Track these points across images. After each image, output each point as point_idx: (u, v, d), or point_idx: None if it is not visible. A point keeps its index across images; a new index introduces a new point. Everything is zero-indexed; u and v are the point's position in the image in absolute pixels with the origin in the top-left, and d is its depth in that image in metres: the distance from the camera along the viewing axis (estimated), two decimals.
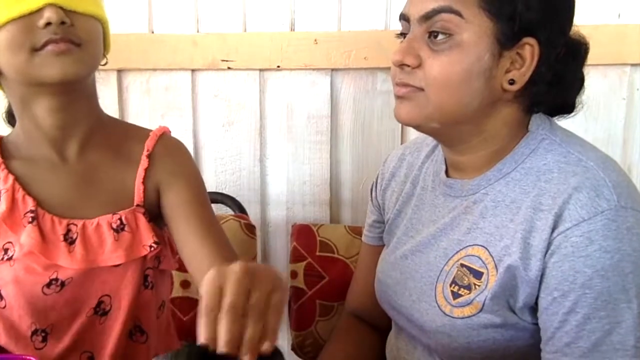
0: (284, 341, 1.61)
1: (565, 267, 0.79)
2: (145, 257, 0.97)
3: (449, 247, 0.92)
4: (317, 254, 1.34)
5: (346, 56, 1.44)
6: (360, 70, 1.46)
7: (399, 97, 0.89)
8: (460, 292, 0.88)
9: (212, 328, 0.62)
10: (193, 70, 1.49)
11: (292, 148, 1.52)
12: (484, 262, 0.86)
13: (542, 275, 0.81)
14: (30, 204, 0.94)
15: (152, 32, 1.47)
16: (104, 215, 0.96)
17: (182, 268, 1.31)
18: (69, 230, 0.95)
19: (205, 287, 0.64)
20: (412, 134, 1.02)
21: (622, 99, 1.46)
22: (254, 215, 1.50)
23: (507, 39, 0.83)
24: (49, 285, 0.94)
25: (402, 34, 0.90)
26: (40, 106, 0.92)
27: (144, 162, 0.99)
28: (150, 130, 1.03)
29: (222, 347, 0.61)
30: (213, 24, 1.46)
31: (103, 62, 0.97)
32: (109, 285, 0.96)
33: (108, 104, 1.46)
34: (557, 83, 0.86)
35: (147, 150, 1.00)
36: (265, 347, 0.62)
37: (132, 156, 1.00)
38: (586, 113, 1.46)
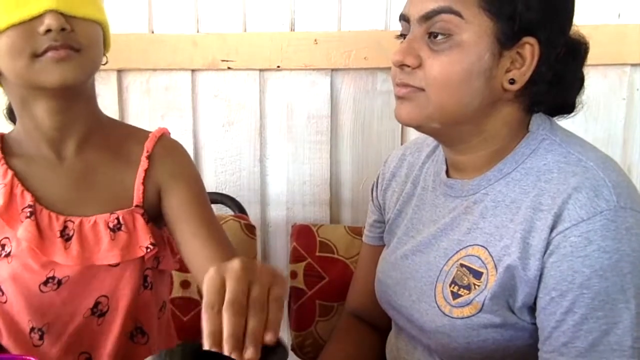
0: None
1: (563, 267, 0.79)
2: (143, 257, 0.98)
3: (449, 247, 0.92)
4: (317, 254, 1.34)
5: (346, 56, 1.44)
6: (360, 70, 1.46)
7: (399, 98, 0.89)
8: (459, 292, 0.88)
9: (215, 323, 0.62)
10: (193, 70, 1.49)
11: (292, 148, 1.52)
12: (483, 262, 0.87)
13: (540, 275, 0.81)
14: (28, 199, 0.94)
15: (152, 32, 1.47)
16: (101, 214, 0.96)
17: (182, 268, 1.31)
18: (65, 227, 0.95)
19: (205, 284, 0.65)
20: (412, 134, 1.02)
21: (622, 99, 1.46)
22: (254, 215, 1.50)
23: (507, 39, 0.83)
24: (45, 283, 0.94)
25: (402, 35, 0.90)
26: (39, 107, 0.93)
27: (143, 163, 1.00)
28: (150, 132, 1.04)
29: (226, 340, 0.61)
30: (213, 24, 1.46)
31: (103, 61, 0.97)
32: (107, 286, 0.96)
33: (108, 104, 1.46)
34: (557, 83, 0.86)
35: (147, 152, 1.00)
36: (269, 338, 0.63)
37: (131, 157, 1.00)
38: (586, 113, 1.46)
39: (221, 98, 1.50)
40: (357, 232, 1.35)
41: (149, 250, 0.97)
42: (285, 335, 1.58)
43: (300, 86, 1.48)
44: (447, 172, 0.98)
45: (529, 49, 0.84)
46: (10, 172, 0.95)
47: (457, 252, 0.90)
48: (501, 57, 0.84)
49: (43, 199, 0.96)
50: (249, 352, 0.61)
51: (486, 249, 0.87)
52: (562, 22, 0.86)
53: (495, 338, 0.85)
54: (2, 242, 0.95)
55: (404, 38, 0.89)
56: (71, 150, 0.98)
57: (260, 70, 1.48)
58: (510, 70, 0.85)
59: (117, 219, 0.96)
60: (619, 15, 1.42)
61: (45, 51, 0.86)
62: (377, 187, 1.13)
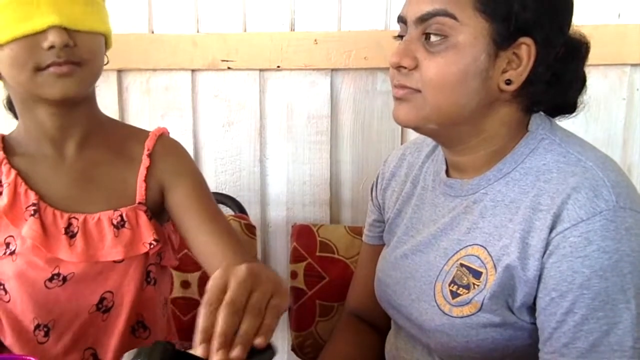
0: (284, 341, 1.61)
1: (563, 268, 0.79)
2: (147, 253, 0.99)
3: (448, 247, 0.92)
4: (317, 254, 1.34)
5: (346, 56, 1.44)
6: (360, 70, 1.46)
7: (397, 99, 0.90)
8: (459, 291, 0.88)
9: (209, 319, 0.64)
10: (193, 71, 1.49)
11: (292, 148, 1.52)
12: (483, 262, 0.87)
13: (540, 276, 0.81)
14: (32, 197, 0.95)
15: (152, 32, 1.47)
16: (105, 211, 0.98)
17: (182, 268, 1.33)
18: (70, 224, 0.96)
19: (210, 283, 0.66)
20: (412, 134, 1.02)
21: (622, 99, 1.46)
22: (254, 215, 1.50)
23: (503, 40, 0.83)
24: (51, 279, 0.95)
25: (400, 36, 0.91)
26: (40, 109, 0.94)
27: (145, 161, 1.01)
28: (149, 131, 1.05)
29: (216, 338, 0.62)
30: (213, 24, 1.46)
31: (104, 62, 0.98)
32: (111, 282, 0.98)
33: (108, 104, 1.46)
34: (556, 83, 0.86)
35: (148, 150, 1.02)
36: (258, 341, 0.64)
37: (132, 156, 1.02)
38: (586, 113, 1.45)
39: (221, 98, 1.50)
40: (357, 232, 1.35)
41: (152, 246, 0.98)
42: (286, 335, 1.59)
43: (300, 86, 1.48)
44: (446, 171, 0.98)
45: (525, 49, 0.84)
46: (13, 172, 0.96)
47: (457, 251, 0.90)
48: (497, 57, 0.84)
49: (47, 196, 0.97)
50: (236, 350, 0.62)
51: (485, 248, 0.87)
52: (560, 22, 0.86)
53: (495, 337, 0.85)
54: (7, 240, 0.96)
55: (402, 39, 0.89)
56: (73, 149, 0.99)
57: (260, 70, 1.48)
58: (507, 71, 0.85)
59: (121, 215, 0.98)
60: (619, 15, 1.42)
61: (48, 66, 0.87)
62: (376, 186, 1.13)
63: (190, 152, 1.49)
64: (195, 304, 1.35)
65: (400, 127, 1.49)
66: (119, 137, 1.04)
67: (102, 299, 0.98)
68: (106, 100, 1.45)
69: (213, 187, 1.51)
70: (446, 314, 0.88)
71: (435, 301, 0.90)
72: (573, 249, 0.78)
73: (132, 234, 0.98)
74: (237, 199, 1.47)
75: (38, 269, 0.95)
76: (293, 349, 1.37)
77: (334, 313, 1.33)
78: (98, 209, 0.98)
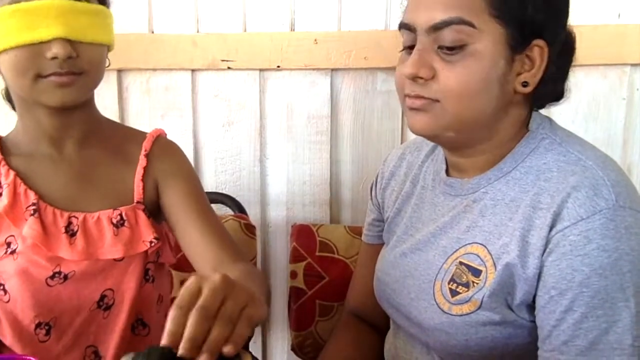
0: (284, 341, 1.61)
1: (563, 266, 0.79)
2: (146, 251, 1.00)
3: (448, 246, 0.92)
4: (317, 254, 1.34)
5: (346, 56, 1.44)
6: (360, 70, 1.46)
7: (412, 109, 0.88)
8: (458, 289, 0.88)
9: (178, 323, 0.62)
10: (193, 70, 1.49)
11: (292, 148, 1.52)
12: (482, 260, 0.87)
13: (539, 274, 0.81)
14: (32, 197, 0.96)
15: (152, 32, 1.47)
16: (104, 210, 0.99)
17: (182, 268, 1.32)
18: (70, 223, 0.97)
19: (183, 288, 0.65)
20: (412, 134, 1.02)
21: (622, 99, 1.46)
22: (254, 215, 1.50)
23: (517, 43, 0.83)
24: (52, 277, 0.96)
25: (408, 47, 0.88)
26: (40, 110, 0.95)
27: (142, 161, 1.03)
28: (147, 133, 1.06)
29: (184, 342, 0.61)
30: (213, 24, 1.46)
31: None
32: (112, 280, 0.98)
33: (108, 104, 1.46)
34: (558, 77, 0.87)
35: (145, 150, 1.03)
36: (227, 349, 0.62)
37: (130, 156, 1.03)
38: (586, 113, 1.46)
39: (221, 98, 1.50)
40: (357, 232, 1.35)
41: (152, 244, 0.99)
42: (285, 335, 1.59)
43: (300, 86, 1.48)
44: (446, 171, 0.98)
45: (538, 51, 0.84)
46: (12, 173, 0.97)
47: (457, 250, 0.90)
48: (513, 61, 0.84)
49: (46, 196, 0.97)
50: (203, 357, 0.61)
51: (485, 247, 0.87)
52: (563, 20, 0.87)
53: (494, 335, 0.85)
54: (8, 240, 0.96)
55: (409, 49, 0.88)
56: (71, 149, 1.00)
57: (260, 70, 1.48)
58: (521, 73, 0.85)
59: (120, 215, 0.99)
60: (619, 15, 1.42)
61: (49, 75, 0.89)
62: (376, 186, 1.13)
63: (190, 152, 1.50)
64: None
65: (400, 127, 1.49)
66: (117, 137, 1.05)
67: (102, 297, 0.98)
68: (106, 100, 1.46)
69: (213, 187, 1.52)
70: (445, 313, 0.88)
71: (435, 300, 0.90)
72: (573, 248, 0.78)
73: (132, 233, 0.99)
74: (237, 198, 1.47)
75: (39, 267, 0.95)
76: (293, 349, 1.37)
77: (334, 313, 1.33)
78: (97, 208, 0.99)
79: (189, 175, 1.07)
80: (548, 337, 0.81)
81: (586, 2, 1.39)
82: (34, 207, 0.95)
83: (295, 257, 1.34)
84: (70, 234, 0.97)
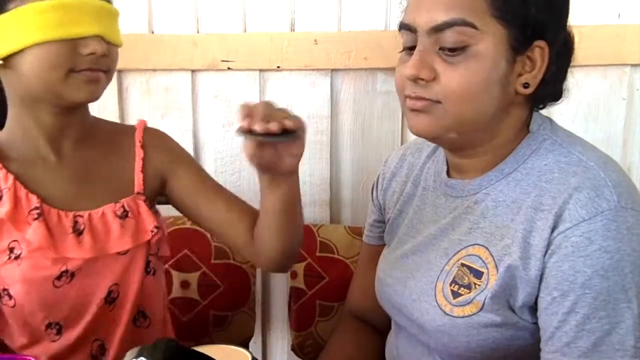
0: (284, 341, 1.61)
1: (565, 267, 0.79)
2: (148, 243, 1.03)
3: (449, 247, 0.92)
4: (317, 254, 1.34)
5: (346, 56, 1.44)
6: (360, 70, 1.46)
7: (414, 111, 0.88)
8: (460, 291, 0.88)
9: (249, 107, 0.85)
10: (193, 71, 1.49)
11: None
12: (484, 262, 0.87)
13: (541, 275, 0.81)
14: (34, 201, 0.96)
15: (152, 32, 1.47)
16: (107, 204, 1.00)
17: (182, 268, 1.33)
18: (76, 222, 0.98)
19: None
20: (412, 134, 1.02)
21: (622, 99, 1.46)
22: None
23: (519, 44, 0.83)
24: (59, 277, 0.96)
25: (408, 48, 0.88)
26: (42, 110, 0.96)
27: (139, 152, 1.06)
28: (132, 125, 1.11)
29: (257, 113, 0.84)
30: (213, 24, 1.46)
31: None
32: (117, 274, 1.00)
33: (108, 104, 1.46)
34: (557, 77, 0.87)
35: (140, 142, 1.07)
36: (288, 123, 0.85)
37: (123, 149, 1.07)
38: (586, 113, 1.46)
39: (221, 98, 1.50)
40: (357, 232, 1.35)
41: (154, 233, 1.02)
42: (286, 336, 1.59)
43: (300, 86, 1.48)
44: (447, 172, 0.98)
45: (539, 52, 0.84)
46: (10, 176, 0.96)
47: (458, 251, 0.90)
48: (515, 62, 0.84)
49: (48, 198, 0.98)
50: (272, 124, 0.83)
51: (487, 248, 0.87)
52: (563, 20, 0.87)
53: (496, 337, 0.85)
54: (11, 245, 0.96)
55: (409, 50, 0.88)
56: (69, 149, 1.01)
57: (260, 70, 1.47)
58: (522, 75, 0.85)
59: (123, 206, 1.02)
60: (619, 15, 1.42)
61: (83, 70, 0.91)
62: (377, 187, 1.13)
63: (191, 152, 1.49)
64: (195, 304, 1.35)
65: (400, 127, 1.49)
66: (107, 133, 1.08)
67: (109, 292, 1.00)
68: (106, 101, 1.45)
69: None
70: (447, 314, 0.88)
71: (436, 301, 0.90)
72: (575, 249, 0.78)
73: (136, 223, 1.02)
74: None
75: (45, 270, 0.95)
76: (293, 349, 1.37)
77: (334, 313, 1.33)
78: (99, 203, 1.00)
79: (188, 158, 1.13)
80: (550, 338, 0.80)
81: (586, 2, 1.39)
82: (37, 211, 0.95)
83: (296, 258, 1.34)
84: (77, 233, 0.97)
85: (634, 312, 0.77)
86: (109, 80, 0.97)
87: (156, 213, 1.08)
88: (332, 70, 1.46)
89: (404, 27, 0.88)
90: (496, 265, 0.85)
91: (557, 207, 0.80)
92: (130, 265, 1.01)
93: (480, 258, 0.87)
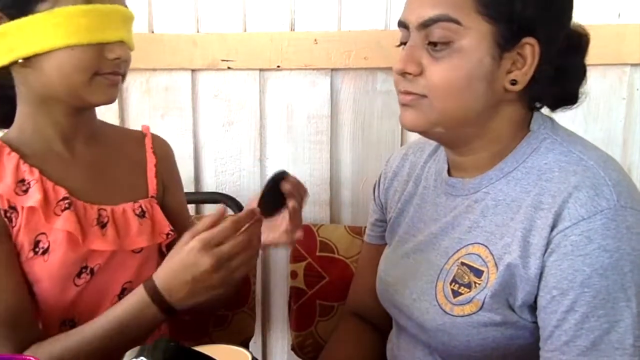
0: (284, 341, 1.61)
1: (564, 266, 0.79)
2: (160, 245, 1.05)
3: (449, 246, 0.92)
4: (317, 254, 1.34)
5: (346, 56, 1.44)
6: (360, 70, 1.46)
7: (403, 105, 0.90)
8: (460, 290, 0.88)
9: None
10: (193, 70, 1.49)
11: (292, 148, 1.52)
12: (484, 261, 0.87)
13: (541, 274, 0.81)
14: (62, 192, 0.97)
15: (152, 32, 1.47)
16: (126, 203, 1.03)
17: None
18: (99, 215, 0.99)
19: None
20: (413, 134, 1.02)
21: (622, 99, 1.46)
22: None
23: (506, 41, 0.83)
24: (79, 274, 0.97)
25: (403, 43, 0.90)
26: (57, 109, 0.97)
27: (151, 158, 1.10)
28: (138, 130, 1.14)
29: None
30: (213, 24, 1.46)
31: None
32: (132, 272, 1.02)
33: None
34: (559, 77, 0.87)
35: (151, 147, 1.10)
36: None
37: (135, 153, 1.10)
38: (586, 113, 1.46)
39: (221, 98, 1.50)
40: (357, 232, 1.35)
41: (169, 236, 1.05)
42: (286, 335, 1.59)
43: (300, 86, 1.48)
44: (448, 171, 0.98)
45: (529, 49, 0.84)
46: (35, 170, 0.97)
47: (458, 250, 0.90)
48: (501, 59, 0.84)
49: (73, 191, 0.98)
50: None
51: (487, 247, 0.87)
52: (560, 18, 0.87)
53: (496, 336, 0.85)
54: (38, 238, 0.95)
55: (405, 45, 0.89)
56: (81, 147, 1.02)
57: (260, 70, 1.48)
58: (512, 71, 0.85)
59: (140, 207, 1.04)
60: (619, 15, 1.42)
61: (106, 73, 0.94)
62: (379, 186, 1.13)
63: (190, 152, 1.51)
64: None
65: (400, 127, 1.49)
66: (115, 135, 1.10)
67: (123, 290, 1.01)
68: None
69: (213, 187, 1.52)
70: (447, 313, 0.88)
71: (437, 300, 0.90)
72: (574, 248, 0.78)
73: (152, 224, 1.04)
74: (237, 199, 1.47)
75: (69, 267, 0.96)
76: (293, 349, 1.37)
77: (334, 313, 1.33)
78: (118, 201, 1.02)
79: (180, 180, 1.18)
80: (549, 337, 0.80)
81: (586, 2, 1.39)
82: (67, 201, 0.96)
83: (296, 257, 1.34)
84: (101, 225, 0.99)
85: (633, 311, 0.77)
86: (122, 83, 1.00)
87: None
88: (332, 69, 1.46)
89: (399, 23, 0.90)
90: (496, 264, 0.85)
91: (557, 206, 0.81)
92: (144, 264, 1.03)
93: (480, 257, 0.87)
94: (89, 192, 1.00)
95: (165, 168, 1.11)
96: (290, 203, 0.96)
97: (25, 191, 0.95)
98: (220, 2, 1.45)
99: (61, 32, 0.89)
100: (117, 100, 1.47)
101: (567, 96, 0.91)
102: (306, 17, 1.45)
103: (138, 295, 0.89)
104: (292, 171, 1.51)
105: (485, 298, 0.85)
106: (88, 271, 0.98)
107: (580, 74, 0.90)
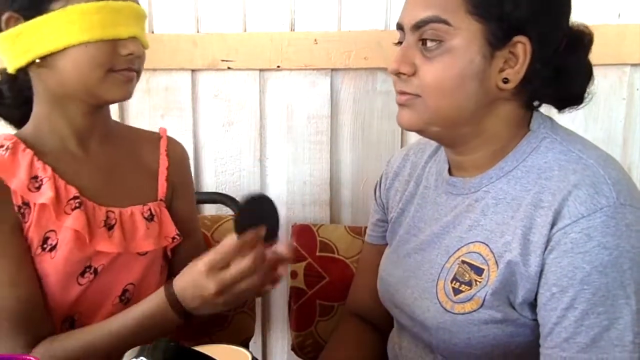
0: (284, 341, 1.61)
1: (564, 263, 0.79)
2: (165, 248, 1.06)
3: (450, 245, 0.92)
4: (317, 254, 1.34)
5: (346, 56, 1.44)
6: (360, 70, 1.46)
7: (399, 105, 0.91)
8: (461, 288, 0.88)
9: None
10: (193, 70, 1.49)
11: (292, 148, 1.52)
12: (484, 259, 0.87)
13: (541, 272, 0.82)
14: (72, 191, 0.98)
15: (152, 32, 1.47)
16: (135, 205, 1.03)
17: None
18: (107, 217, 1.00)
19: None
20: (413, 134, 1.03)
21: (622, 99, 1.46)
22: None
23: (497, 40, 0.84)
24: (83, 274, 0.98)
25: (400, 43, 0.92)
26: (74, 109, 0.98)
27: (164, 161, 1.10)
28: (153, 132, 1.14)
29: None
30: (213, 24, 1.46)
31: None
32: (135, 274, 1.02)
33: None
34: (558, 77, 0.87)
35: (165, 150, 1.11)
36: None
37: (149, 155, 1.10)
38: (586, 113, 1.46)
39: (221, 98, 1.50)
40: (357, 232, 1.35)
41: (175, 240, 1.05)
42: (286, 335, 1.59)
43: (300, 86, 1.48)
44: (449, 170, 0.98)
45: (521, 48, 0.84)
46: (48, 167, 0.97)
47: (459, 249, 0.90)
48: (493, 58, 0.84)
49: (83, 191, 0.99)
50: None
51: (487, 245, 0.87)
52: (555, 17, 0.87)
53: (496, 334, 0.85)
54: (47, 235, 0.96)
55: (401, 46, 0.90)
56: (96, 147, 1.03)
57: (260, 70, 1.48)
58: (504, 70, 0.85)
59: (149, 210, 1.04)
60: (619, 15, 1.42)
61: (121, 70, 0.95)
62: (380, 186, 1.14)
63: (190, 152, 1.50)
64: None
65: (400, 128, 1.49)
66: (130, 136, 1.11)
67: (124, 291, 1.02)
68: None
69: (213, 187, 1.52)
70: (448, 311, 0.88)
71: (438, 298, 0.90)
72: (574, 245, 0.78)
73: (159, 227, 1.05)
74: (237, 199, 1.47)
75: (74, 266, 0.97)
76: (293, 349, 1.37)
77: (334, 313, 1.33)
78: (128, 203, 1.02)
79: (192, 187, 1.18)
80: (549, 334, 0.81)
81: (586, 2, 1.39)
82: (78, 201, 0.97)
83: (296, 257, 1.34)
84: (108, 227, 0.99)
85: (633, 308, 0.77)
86: (138, 80, 1.00)
87: None
88: (332, 70, 1.47)
89: (397, 26, 0.92)
90: (496, 262, 0.85)
91: (557, 204, 0.81)
92: (148, 267, 1.04)
93: (481, 255, 0.87)
94: (99, 193, 1.00)
95: (177, 172, 1.11)
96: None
97: (38, 188, 0.95)
98: (220, 2, 1.45)
99: (75, 29, 0.90)
100: None
101: (571, 96, 0.91)
102: (306, 17, 1.45)
103: (158, 299, 0.91)
104: (292, 171, 1.53)
105: (485, 296, 0.85)
106: (92, 271, 0.98)
107: (583, 73, 0.90)
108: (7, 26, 0.92)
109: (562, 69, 0.87)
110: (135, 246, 1.01)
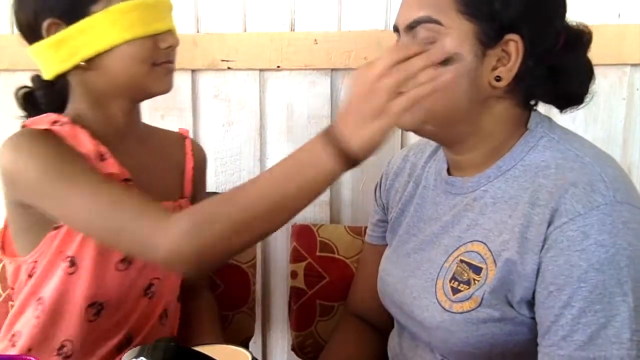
0: (284, 341, 1.61)
1: (561, 261, 0.79)
2: None
3: (449, 244, 0.92)
4: (318, 254, 1.34)
5: (346, 56, 1.44)
6: None
7: None
8: (459, 287, 0.88)
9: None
10: (193, 70, 1.49)
11: (292, 148, 1.50)
12: (483, 258, 0.87)
13: (538, 270, 0.82)
14: (126, 173, 1.00)
15: None
16: (166, 201, 1.06)
17: None
18: None
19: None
20: (412, 135, 1.03)
21: (622, 99, 1.46)
22: None
23: (489, 39, 0.84)
24: (122, 261, 1.00)
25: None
26: (114, 106, 1.01)
27: (190, 161, 1.15)
28: (175, 132, 1.19)
29: None
30: (213, 24, 1.46)
31: None
32: (160, 269, 1.03)
33: None
34: (554, 75, 0.87)
35: (191, 150, 1.16)
36: None
37: (176, 154, 1.15)
38: (586, 113, 1.46)
39: (221, 98, 1.50)
40: (357, 232, 1.35)
41: None
42: (286, 336, 1.59)
43: (300, 86, 1.48)
44: (448, 170, 0.98)
45: (513, 46, 0.85)
46: (105, 148, 0.99)
47: (457, 248, 0.91)
48: (485, 56, 0.85)
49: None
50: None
51: (485, 244, 0.87)
52: (547, 16, 0.87)
53: (495, 333, 0.85)
54: None
55: None
56: (131, 144, 1.04)
57: (260, 70, 1.48)
58: (497, 68, 0.86)
59: (179, 207, 1.08)
60: (619, 15, 1.42)
61: (162, 63, 0.98)
62: (380, 186, 1.14)
63: None
64: None
65: (400, 128, 1.49)
66: (157, 135, 1.15)
67: (149, 285, 1.03)
68: None
69: (213, 187, 1.52)
70: (447, 311, 0.88)
71: (437, 298, 0.90)
72: (570, 243, 0.78)
73: None
74: None
75: (112, 251, 0.98)
76: (293, 349, 1.37)
77: (334, 313, 1.33)
78: (162, 199, 1.03)
79: (206, 188, 1.21)
80: (547, 332, 0.81)
81: (586, 2, 1.39)
82: (131, 183, 0.99)
83: (296, 257, 1.34)
84: None
85: (630, 305, 0.77)
86: (174, 71, 1.03)
87: None
88: (332, 70, 1.47)
89: (393, 28, 0.93)
90: (494, 261, 0.85)
91: (554, 202, 0.81)
92: None
93: (479, 254, 0.88)
94: (139, 184, 1.02)
95: (199, 172, 1.16)
96: None
97: (103, 160, 0.97)
98: (220, 2, 1.45)
99: (118, 29, 0.93)
100: None
101: (570, 95, 0.91)
102: (306, 17, 1.45)
103: (312, 141, 0.85)
104: None
105: (484, 294, 0.85)
106: (127, 261, 1.00)
107: (583, 72, 0.90)
108: (49, 33, 0.94)
109: (558, 68, 0.87)
110: None
